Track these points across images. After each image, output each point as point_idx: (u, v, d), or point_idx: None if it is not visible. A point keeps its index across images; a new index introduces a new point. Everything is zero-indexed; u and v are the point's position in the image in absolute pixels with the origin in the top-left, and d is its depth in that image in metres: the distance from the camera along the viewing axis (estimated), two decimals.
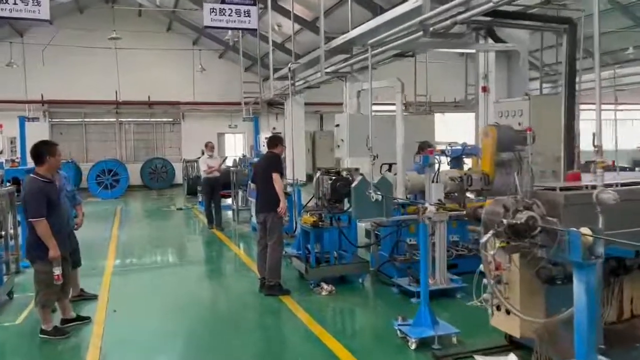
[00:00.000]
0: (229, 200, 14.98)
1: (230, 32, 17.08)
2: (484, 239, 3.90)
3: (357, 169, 7.44)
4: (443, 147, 12.69)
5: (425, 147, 8.94)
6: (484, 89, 10.51)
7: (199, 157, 13.60)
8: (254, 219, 11.83)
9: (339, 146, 7.52)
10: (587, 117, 6.27)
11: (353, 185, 6.15)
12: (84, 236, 7.65)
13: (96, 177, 20.02)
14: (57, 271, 5.30)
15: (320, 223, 7.08)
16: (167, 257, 9.87)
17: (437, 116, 23.51)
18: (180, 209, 16.57)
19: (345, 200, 7.37)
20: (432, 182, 6.85)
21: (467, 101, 21.18)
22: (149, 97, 23.35)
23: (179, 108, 24.07)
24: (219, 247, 10.71)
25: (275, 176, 6.90)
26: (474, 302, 4.40)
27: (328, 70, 9.57)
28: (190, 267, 9.12)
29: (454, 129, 22.99)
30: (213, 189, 12.24)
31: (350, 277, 7.49)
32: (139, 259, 9.90)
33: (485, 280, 4.15)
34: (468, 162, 9.46)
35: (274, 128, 24.22)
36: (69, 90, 21.79)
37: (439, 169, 6.99)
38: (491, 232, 3.88)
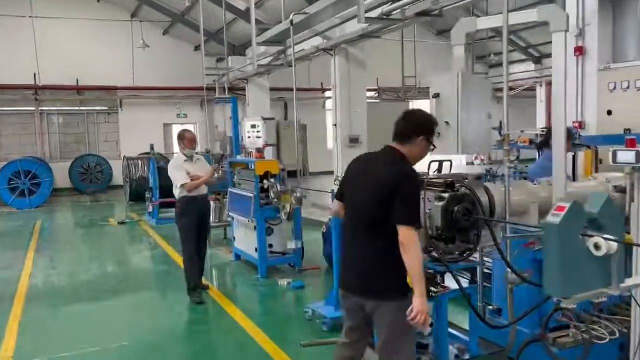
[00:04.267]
0: None
1: None
2: None
3: (479, 178, 3.94)
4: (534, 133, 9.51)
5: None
6: (579, 51, 7.30)
7: (168, 160, 8.96)
8: (238, 245, 8.04)
9: (439, 134, 4.04)
10: None
11: (557, 221, 2.64)
12: None
13: (9, 182, 15.54)
14: None
15: (433, 291, 3.50)
16: (108, 327, 6.00)
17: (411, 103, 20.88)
18: (123, 222, 12.55)
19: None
20: None
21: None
22: (77, 81, 19.35)
23: (116, 94, 20.09)
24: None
25: (409, 233, 2.92)
26: None
27: (371, 15, 5.97)
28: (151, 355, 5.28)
29: None
30: (203, 217, 6.67)
31: None
32: (59, 335, 5.94)
33: None
34: None
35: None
36: None
37: None
38: None
